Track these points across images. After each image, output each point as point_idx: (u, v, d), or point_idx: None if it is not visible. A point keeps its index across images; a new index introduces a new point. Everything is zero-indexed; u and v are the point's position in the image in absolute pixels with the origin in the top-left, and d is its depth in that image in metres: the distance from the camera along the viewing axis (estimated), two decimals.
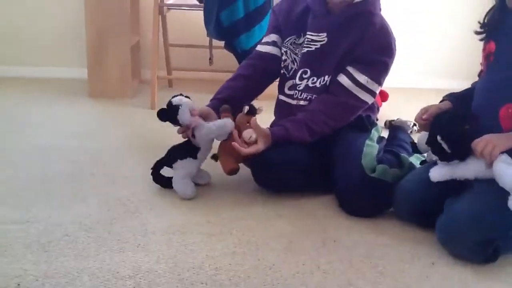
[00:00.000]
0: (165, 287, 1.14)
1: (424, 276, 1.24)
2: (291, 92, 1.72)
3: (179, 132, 1.62)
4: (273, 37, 1.76)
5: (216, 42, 2.71)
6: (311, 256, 1.30)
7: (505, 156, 1.25)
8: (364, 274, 1.23)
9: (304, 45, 1.67)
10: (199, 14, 2.55)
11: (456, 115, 1.39)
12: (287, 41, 1.72)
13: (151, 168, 1.65)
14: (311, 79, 1.67)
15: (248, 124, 1.58)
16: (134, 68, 2.96)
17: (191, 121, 1.57)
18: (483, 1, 1.45)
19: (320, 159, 1.66)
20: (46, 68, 3.19)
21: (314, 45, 1.66)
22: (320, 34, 1.65)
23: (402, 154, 1.70)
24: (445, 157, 1.35)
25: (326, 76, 1.65)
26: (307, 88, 1.68)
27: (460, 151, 1.33)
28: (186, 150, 1.61)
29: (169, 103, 1.58)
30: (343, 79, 1.63)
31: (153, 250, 1.29)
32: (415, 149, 1.59)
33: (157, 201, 1.56)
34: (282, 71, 1.76)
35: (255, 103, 1.71)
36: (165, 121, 1.59)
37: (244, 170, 1.66)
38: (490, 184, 1.29)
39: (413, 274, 1.25)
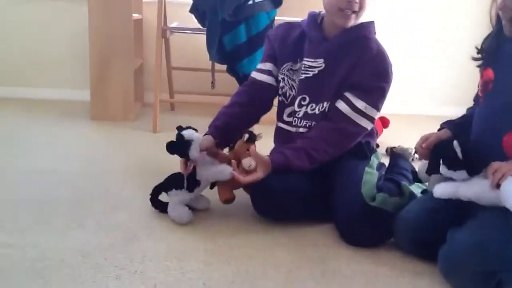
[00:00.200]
0: None
1: None
2: (290, 119, 1.72)
3: (181, 166, 1.61)
4: (268, 66, 1.77)
5: (218, 66, 2.73)
6: (310, 287, 1.28)
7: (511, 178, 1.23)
8: None
9: (302, 71, 1.68)
10: (202, 38, 2.57)
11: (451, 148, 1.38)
12: (284, 67, 1.73)
13: (150, 194, 1.64)
14: (310, 105, 1.67)
15: (247, 152, 1.57)
16: (137, 91, 2.98)
17: (198, 157, 1.58)
18: (486, 28, 1.45)
19: (320, 187, 1.65)
20: (49, 90, 3.21)
21: (311, 71, 1.66)
22: (317, 60, 1.66)
23: (403, 183, 1.68)
24: (455, 164, 1.33)
25: (325, 103, 1.65)
26: (306, 115, 1.68)
27: (471, 160, 1.31)
28: (183, 182, 1.61)
29: (180, 137, 1.56)
30: (341, 105, 1.63)
31: (150, 277, 1.27)
32: (415, 177, 1.59)
33: (156, 227, 1.55)
34: (280, 98, 1.76)
35: (256, 128, 1.71)
36: (173, 154, 1.57)
37: (244, 198, 1.65)
38: (494, 214, 1.28)
39: None
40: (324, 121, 1.65)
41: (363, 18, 1.64)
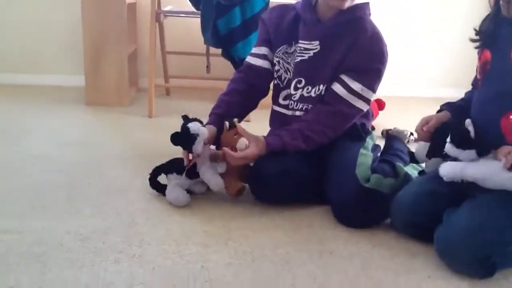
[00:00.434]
0: None
1: None
2: (286, 102, 1.72)
3: (183, 155, 1.62)
4: (263, 50, 1.76)
5: (213, 50, 2.72)
6: (307, 268, 1.29)
7: None
8: (359, 286, 1.23)
9: (297, 54, 1.67)
10: (196, 22, 2.55)
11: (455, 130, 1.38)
12: (279, 50, 1.72)
13: (149, 173, 1.65)
14: (305, 88, 1.67)
15: (236, 136, 1.58)
16: (131, 76, 2.97)
17: (201, 152, 1.59)
18: (483, 10, 1.45)
19: (316, 169, 1.65)
20: (43, 76, 3.19)
21: (307, 53, 1.66)
22: (312, 42, 1.65)
23: (397, 164, 1.69)
24: (465, 144, 1.31)
25: (321, 85, 1.65)
26: (302, 98, 1.68)
27: (484, 140, 1.31)
28: (184, 168, 1.62)
29: (186, 129, 1.56)
30: (337, 87, 1.63)
31: (148, 260, 1.28)
32: (412, 158, 1.58)
33: (153, 211, 1.56)
34: (275, 82, 1.75)
35: (252, 112, 1.70)
36: (176, 145, 1.57)
37: None
38: (492, 197, 1.29)
39: (409, 287, 1.24)
40: (320, 104, 1.65)
41: None
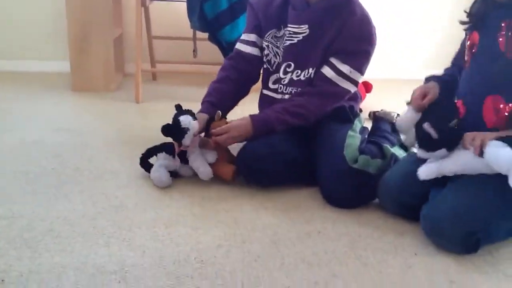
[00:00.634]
0: (150, 281, 1.14)
1: (407, 267, 1.26)
2: (275, 86, 1.73)
3: (175, 147, 1.64)
4: (252, 37, 1.76)
5: (200, 34, 2.70)
6: (296, 248, 1.31)
7: (495, 141, 1.24)
8: (348, 265, 1.25)
9: (286, 38, 1.67)
10: (183, 6, 2.53)
11: (447, 111, 1.39)
12: (268, 35, 1.72)
13: (142, 153, 1.68)
14: (295, 72, 1.68)
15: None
16: (117, 61, 2.94)
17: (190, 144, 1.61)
18: None
19: (305, 151, 1.67)
20: (28, 62, 3.15)
21: (296, 37, 1.66)
22: (301, 26, 1.65)
23: (384, 145, 1.71)
24: (432, 146, 1.34)
25: (310, 69, 1.66)
26: (291, 82, 1.68)
27: (447, 137, 1.33)
28: (177, 154, 1.65)
29: (177, 122, 1.57)
30: (326, 70, 1.63)
31: (138, 244, 1.29)
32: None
33: (142, 195, 1.56)
34: (265, 66, 1.76)
35: None
36: (167, 137, 1.59)
37: None
38: (476, 177, 1.31)
39: (396, 265, 1.27)
40: (308, 87, 1.65)
41: None
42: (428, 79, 1.56)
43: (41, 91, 2.71)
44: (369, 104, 2.57)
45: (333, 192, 1.56)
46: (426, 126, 1.34)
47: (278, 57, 1.71)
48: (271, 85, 1.74)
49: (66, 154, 1.85)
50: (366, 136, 1.78)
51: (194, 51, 2.78)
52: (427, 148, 1.36)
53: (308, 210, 1.53)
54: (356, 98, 1.80)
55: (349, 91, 1.66)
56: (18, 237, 1.28)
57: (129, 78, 3.01)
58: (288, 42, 1.67)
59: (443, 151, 1.33)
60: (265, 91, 1.77)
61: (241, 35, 1.84)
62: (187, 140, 1.57)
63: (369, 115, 2.45)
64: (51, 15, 3.06)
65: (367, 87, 2.67)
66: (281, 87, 1.71)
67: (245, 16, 2.42)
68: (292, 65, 1.68)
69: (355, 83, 1.65)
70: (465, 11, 1.45)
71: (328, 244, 1.34)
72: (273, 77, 1.73)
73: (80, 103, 2.57)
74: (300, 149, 1.66)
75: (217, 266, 1.21)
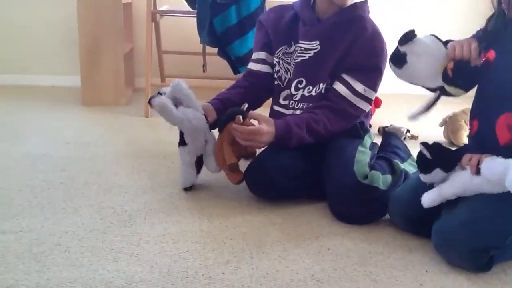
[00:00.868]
0: None
1: (418, 284, 1.24)
2: (286, 102, 1.72)
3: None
4: (262, 55, 1.76)
5: (209, 49, 2.72)
6: (305, 265, 1.30)
7: (491, 157, 1.25)
8: (358, 282, 1.23)
9: (297, 54, 1.68)
10: (192, 21, 2.55)
11: None
12: (279, 51, 1.72)
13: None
14: (307, 88, 1.67)
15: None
16: (127, 76, 2.97)
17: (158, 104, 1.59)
18: (482, 7, 1.44)
19: (314, 166, 1.66)
20: (39, 76, 3.19)
21: (307, 53, 1.66)
22: (312, 42, 1.65)
23: (394, 161, 1.70)
24: (428, 167, 1.33)
25: (321, 84, 1.66)
26: (303, 98, 1.68)
27: (440, 156, 1.32)
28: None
29: (159, 91, 1.61)
30: (340, 87, 1.63)
31: (146, 259, 1.28)
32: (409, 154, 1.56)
33: (151, 210, 1.56)
34: (276, 82, 1.75)
35: None
36: (151, 106, 1.60)
37: None
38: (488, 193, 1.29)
39: (407, 282, 1.25)
40: (324, 101, 1.64)
41: None
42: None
43: (51, 105, 2.74)
44: (378, 119, 2.56)
45: (342, 208, 1.54)
46: (421, 147, 1.34)
47: (289, 73, 1.71)
48: (281, 101, 1.74)
49: (74, 168, 1.86)
50: (376, 152, 1.77)
51: (203, 66, 2.80)
52: (425, 171, 1.35)
53: (317, 226, 1.52)
54: (366, 114, 1.79)
55: (364, 111, 1.65)
56: (26, 252, 1.28)
57: (139, 93, 3.03)
58: (299, 59, 1.67)
59: (438, 171, 1.32)
60: (275, 107, 1.77)
61: (250, 50, 1.85)
62: (158, 97, 1.56)
63: (379, 130, 2.45)
64: (63, 29, 3.10)
65: (377, 102, 2.66)
66: (292, 103, 1.71)
67: (254, 31, 2.45)
68: (304, 81, 1.68)
69: (369, 101, 1.65)
70: (481, 29, 1.44)
71: (337, 260, 1.33)
72: (284, 93, 1.73)
73: (90, 117, 2.58)
74: (310, 164, 1.65)
75: (225, 283, 1.20)
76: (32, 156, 1.96)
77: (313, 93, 1.67)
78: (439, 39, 1.43)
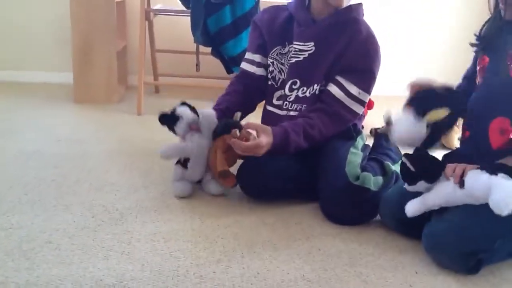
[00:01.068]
0: None
1: (407, 285, 1.25)
2: (280, 103, 1.73)
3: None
4: (257, 57, 1.76)
5: (203, 48, 2.72)
6: (296, 265, 1.30)
7: (475, 170, 1.23)
8: (348, 283, 1.24)
9: (292, 55, 1.68)
10: (186, 20, 2.55)
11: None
12: (273, 52, 1.72)
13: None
14: (301, 89, 1.67)
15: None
16: (120, 73, 2.96)
17: (185, 135, 1.62)
18: (475, 10, 1.45)
19: (307, 167, 1.66)
20: (31, 73, 3.17)
21: (302, 54, 1.66)
22: (307, 43, 1.66)
23: (386, 162, 1.71)
24: (412, 178, 1.33)
25: (315, 85, 1.66)
26: (297, 99, 1.68)
27: (423, 168, 1.31)
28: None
29: (173, 111, 1.61)
30: (334, 90, 1.63)
31: (137, 257, 1.28)
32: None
33: (142, 208, 1.55)
34: (269, 82, 1.76)
35: None
36: (163, 124, 1.63)
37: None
38: None
39: (397, 283, 1.25)
40: (319, 103, 1.64)
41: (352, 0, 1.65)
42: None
43: (43, 102, 2.72)
44: (370, 121, 2.57)
45: (334, 209, 1.55)
46: (404, 159, 1.34)
47: (282, 73, 1.71)
48: (275, 102, 1.74)
49: (66, 165, 1.85)
50: (368, 154, 1.78)
51: (197, 65, 2.80)
52: (409, 182, 1.35)
53: (309, 226, 1.52)
54: (359, 115, 1.80)
55: (358, 114, 1.65)
56: (16, 249, 1.27)
57: (132, 91, 3.02)
58: (293, 60, 1.67)
59: (422, 183, 1.32)
60: (269, 107, 1.77)
61: (243, 50, 1.85)
62: (178, 128, 1.60)
63: (371, 132, 2.46)
64: (56, 26, 3.08)
65: (369, 104, 2.67)
66: (286, 104, 1.71)
67: (248, 31, 2.44)
68: (298, 82, 1.68)
69: (363, 104, 1.65)
70: (475, 34, 1.45)
71: (328, 261, 1.33)
72: (278, 94, 1.73)
73: (82, 115, 2.57)
74: (302, 165, 1.66)
75: (216, 282, 1.20)
76: (24, 153, 1.95)
77: (307, 94, 1.67)
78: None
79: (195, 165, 1.63)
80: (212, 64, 2.84)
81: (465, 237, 1.25)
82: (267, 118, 1.78)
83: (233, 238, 1.41)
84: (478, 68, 1.45)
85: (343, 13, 1.63)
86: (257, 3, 2.50)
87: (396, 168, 1.72)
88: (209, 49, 2.64)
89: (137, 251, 1.31)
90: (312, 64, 1.65)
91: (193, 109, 1.64)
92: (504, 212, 1.12)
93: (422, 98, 1.39)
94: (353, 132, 1.74)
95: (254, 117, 1.87)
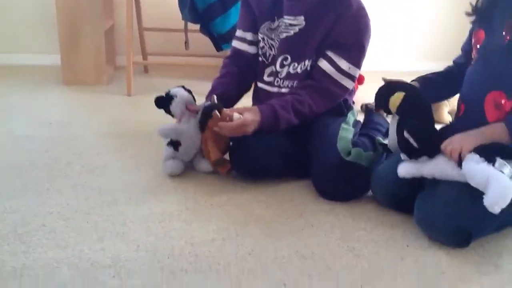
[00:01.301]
0: (145, 275, 1.15)
1: (399, 258, 1.27)
2: (271, 79, 1.72)
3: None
4: (248, 35, 1.74)
5: (192, 26, 2.69)
6: (289, 241, 1.32)
7: (473, 155, 1.24)
8: (341, 257, 1.26)
9: (282, 30, 1.66)
10: None
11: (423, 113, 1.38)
12: (263, 27, 1.71)
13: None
14: (292, 65, 1.67)
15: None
16: (108, 53, 2.92)
17: (181, 117, 1.62)
18: None
19: (299, 144, 1.67)
20: (18, 55, 3.12)
21: (292, 29, 1.65)
22: (297, 18, 1.64)
23: (377, 137, 1.72)
24: (414, 154, 1.34)
25: (307, 61, 1.65)
26: (288, 75, 1.67)
27: (428, 147, 1.33)
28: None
29: (167, 92, 1.64)
30: (324, 65, 1.62)
31: (132, 238, 1.29)
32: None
33: (135, 190, 1.56)
34: (260, 59, 1.74)
35: None
36: (159, 108, 1.65)
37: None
38: None
39: (388, 257, 1.28)
40: (310, 79, 1.64)
41: None
42: (412, 81, 1.57)
43: (31, 84, 2.70)
44: (361, 96, 2.57)
45: (326, 185, 1.56)
46: (406, 134, 1.34)
47: (273, 49, 1.70)
48: (266, 78, 1.73)
49: (57, 149, 1.85)
50: (359, 130, 1.79)
51: (185, 43, 2.77)
52: (410, 156, 1.36)
53: (301, 203, 1.54)
54: (350, 91, 1.80)
55: (348, 89, 1.65)
56: (11, 233, 1.28)
57: (120, 71, 2.99)
58: (284, 35, 1.66)
59: (424, 158, 1.34)
60: (260, 84, 1.76)
61: (233, 26, 1.82)
62: (174, 107, 1.62)
63: (361, 107, 2.46)
64: (41, 7, 3.03)
65: (360, 79, 2.67)
66: (277, 81, 1.70)
67: (237, 7, 2.41)
68: (289, 57, 1.67)
69: (353, 79, 1.64)
70: (471, 4, 1.44)
71: (321, 236, 1.35)
72: (268, 70, 1.72)
73: (71, 97, 2.55)
74: (293, 142, 1.66)
75: (211, 260, 1.22)
76: (14, 137, 1.94)
77: (299, 70, 1.66)
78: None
79: (189, 148, 1.64)
80: (201, 41, 2.82)
81: (456, 213, 1.27)
82: (258, 95, 1.78)
83: (227, 217, 1.43)
84: (473, 41, 1.45)
85: None
86: None
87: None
88: (198, 27, 2.61)
89: (131, 232, 1.32)
90: (303, 39, 1.64)
91: (188, 90, 1.64)
92: (496, 211, 1.16)
93: (379, 94, 1.47)
94: (344, 108, 1.74)
95: (245, 96, 1.87)
